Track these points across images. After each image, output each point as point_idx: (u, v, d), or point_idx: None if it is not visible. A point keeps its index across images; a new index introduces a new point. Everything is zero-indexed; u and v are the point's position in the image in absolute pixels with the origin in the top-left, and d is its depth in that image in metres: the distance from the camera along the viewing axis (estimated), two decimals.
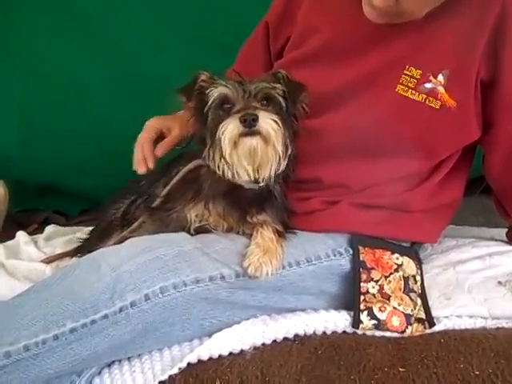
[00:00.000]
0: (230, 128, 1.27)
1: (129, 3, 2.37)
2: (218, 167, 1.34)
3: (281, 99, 1.36)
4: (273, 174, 1.36)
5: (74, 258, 1.74)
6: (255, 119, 1.27)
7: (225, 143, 1.28)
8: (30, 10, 2.38)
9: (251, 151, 1.30)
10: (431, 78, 1.43)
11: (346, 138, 1.48)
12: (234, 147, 1.29)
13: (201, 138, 1.39)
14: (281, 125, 1.31)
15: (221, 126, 1.29)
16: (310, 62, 1.50)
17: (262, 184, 1.39)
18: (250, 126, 1.27)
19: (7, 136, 2.50)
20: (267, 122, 1.28)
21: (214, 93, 1.34)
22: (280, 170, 1.36)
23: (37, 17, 2.39)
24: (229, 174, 1.34)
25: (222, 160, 1.31)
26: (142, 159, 1.61)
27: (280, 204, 1.46)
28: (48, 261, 1.77)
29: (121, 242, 1.45)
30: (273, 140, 1.30)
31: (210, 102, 1.34)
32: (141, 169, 1.60)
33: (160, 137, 1.67)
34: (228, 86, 1.33)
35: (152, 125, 1.67)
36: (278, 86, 1.36)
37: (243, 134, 1.28)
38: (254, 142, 1.29)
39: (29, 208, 2.58)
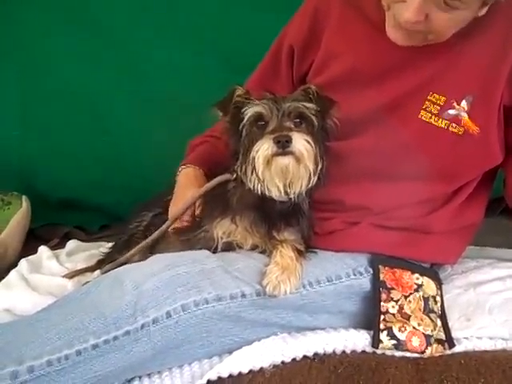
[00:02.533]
0: (263, 148, 1.30)
1: (147, 20, 2.41)
2: (250, 181, 1.36)
3: (313, 118, 1.38)
4: (304, 189, 1.38)
5: (95, 273, 1.76)
6: (289, 141, 1.29)
7: (258, 162, 1.31)
8: (49, 26, 2.40)
9: (283, 170, 1.32)
10: (455, 104, 1.43)
11: (368, 162, 1.49)
12: (267, 165, 1.32)
13: (234, 152, 1.41)
14: (313, 144, 1.33)
15: (255, 145, 1.31)
16: (333, 88, 1.49)
17: (292, 197, 1.40)
18: (283, 147, 1.29)
19: (30, 151, 2.52)
20: (300, 142, 1.31)
21: (249, 111, 1.36)
22: (310, 185, 1.38)
23: (57, 34, 2.41)
24: (259, 189, 1.36)
25: (255, 175, 1.34)
26: None
27: (307, 220, 1.48)
28: (70, 276, 1.78)
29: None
30: (305, 159, 1.32)
31: (245, 120, 1.36)
32: None
33: None
34: (263, 105, 1.36)
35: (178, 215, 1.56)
36: (311, 105, 1.38)
37: (276, 154, 1.30)
38: (286, 161, 1.31)
39: (50, 222, 2.59)
